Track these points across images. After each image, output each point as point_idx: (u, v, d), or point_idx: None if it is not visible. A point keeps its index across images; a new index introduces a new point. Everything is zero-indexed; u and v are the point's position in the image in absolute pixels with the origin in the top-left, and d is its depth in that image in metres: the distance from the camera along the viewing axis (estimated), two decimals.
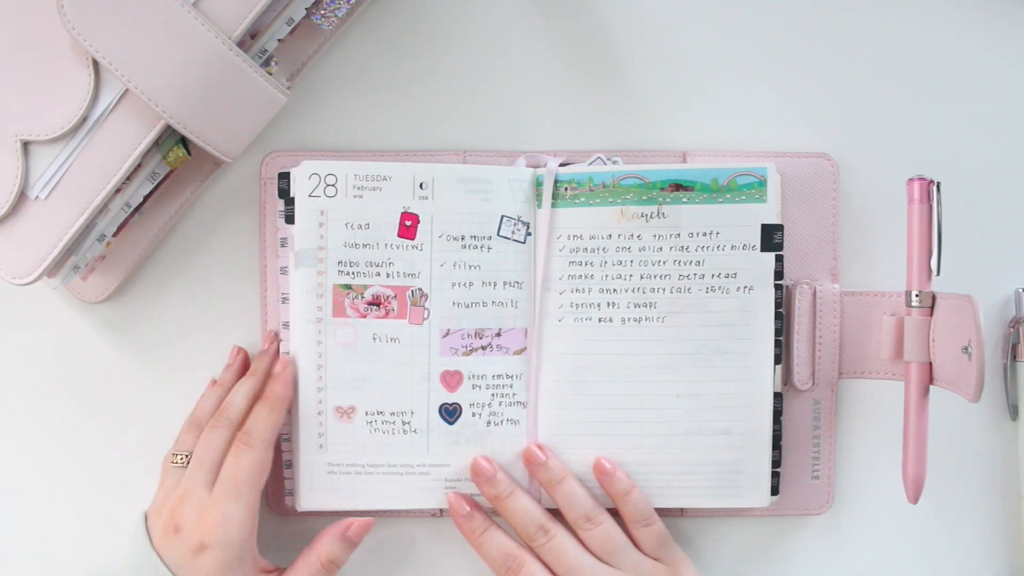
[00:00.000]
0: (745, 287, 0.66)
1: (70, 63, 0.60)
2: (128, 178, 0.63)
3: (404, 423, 0.67)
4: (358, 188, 0.66)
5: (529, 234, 0.67)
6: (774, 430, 0.67)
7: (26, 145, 0.61)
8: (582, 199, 0.66)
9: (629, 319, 0.66)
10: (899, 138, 0.70)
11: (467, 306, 0.67)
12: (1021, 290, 0.70)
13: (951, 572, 0.71)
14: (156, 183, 0.65)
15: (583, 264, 0.67)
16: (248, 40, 0.63)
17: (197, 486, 0.63)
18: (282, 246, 0.68)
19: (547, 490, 0.67)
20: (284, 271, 0.67)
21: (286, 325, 0.67)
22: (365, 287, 0.66)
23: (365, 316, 0.66)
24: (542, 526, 0.66)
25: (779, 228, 0.66)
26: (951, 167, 0.70)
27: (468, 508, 0.66)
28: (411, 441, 0.67)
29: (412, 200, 0.66)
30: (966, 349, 0.61)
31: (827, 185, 0.69)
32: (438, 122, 0.69)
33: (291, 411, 0.67)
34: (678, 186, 0.66)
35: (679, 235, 0.66)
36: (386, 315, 0.66)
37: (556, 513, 0.67)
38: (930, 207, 0.64)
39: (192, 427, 0.67)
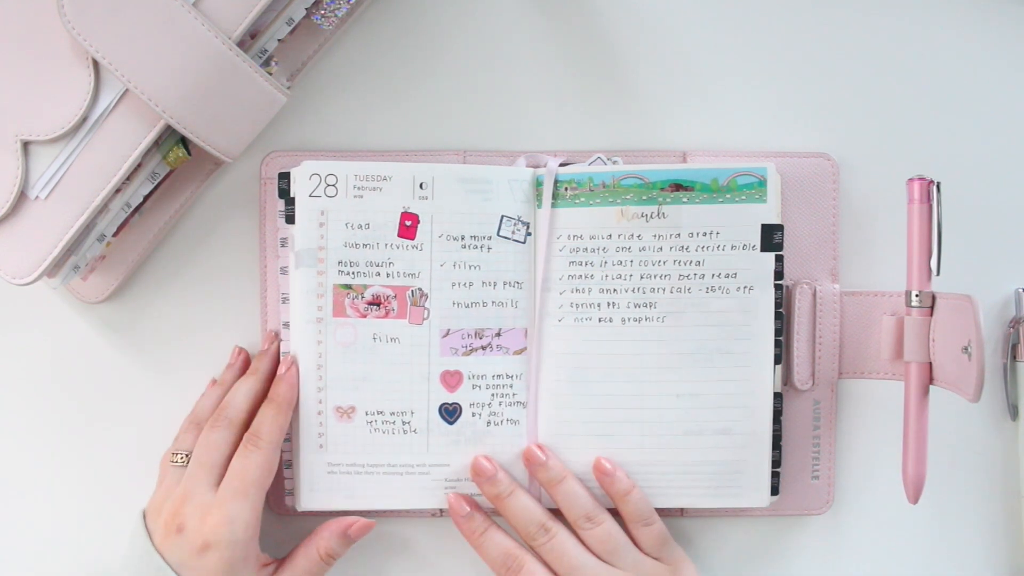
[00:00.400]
0: (745, 287, 0.66)
1: (70, 63, 0.60)
2: (128, 178, 0.63)
3: (404, 423, 0.67)
4: (358, 188, 0.66)
5: (529, 234, 0.67)
6: (774, 430, 0.67)
7: (26, 145, 0.61)
8: (582, 199, 0.66)
9: (629, 319, 0.66)
10: (899, 138, 0.70)
11: (467, 306, 0.67)
12: (1021, 290, 0.70)
13: (951, 572, 0.71)
14: (156, 183, 0.65)
15: (583, 264, 0.66)
16: (248, 40, 0.63)
17: (199, 486, 0.63)
18: (282, 246, 0.68)
19: (547, 490, 0.66)
20: (284, 271, 0.67)
21: (286, 325, 0.67)
22: (365, 287, 0.66)
23: (365, 316, 0.66)
24: (543, 525, 0.66)
25: (779, 228, 0.66)
26: (951, 167, 0.70)
27: (468, 508, 0.66)
28: (411, 441, 0.67)
29: (412, 200, 0.66)
30: (966, 349, 0.61)
31: (827, 185, 0.69)
32: (438, 122, 0.69)
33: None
34: (678, 186, 0.66)
35: (679, 235, 0.66)
36: (386, 315, 0.66)
37: (556, 513, 0.67)
38: (930, 207, 0.64)
39: (192, 426, 0.67)
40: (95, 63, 0.60)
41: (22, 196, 0.61)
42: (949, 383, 0.63)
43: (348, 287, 0.66)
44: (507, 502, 0.66)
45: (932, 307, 0.65)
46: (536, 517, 0.66)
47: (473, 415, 0.67)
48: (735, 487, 0.67)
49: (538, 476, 0.66)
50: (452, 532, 0.68)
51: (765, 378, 0.66)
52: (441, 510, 0.68)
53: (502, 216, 0.67)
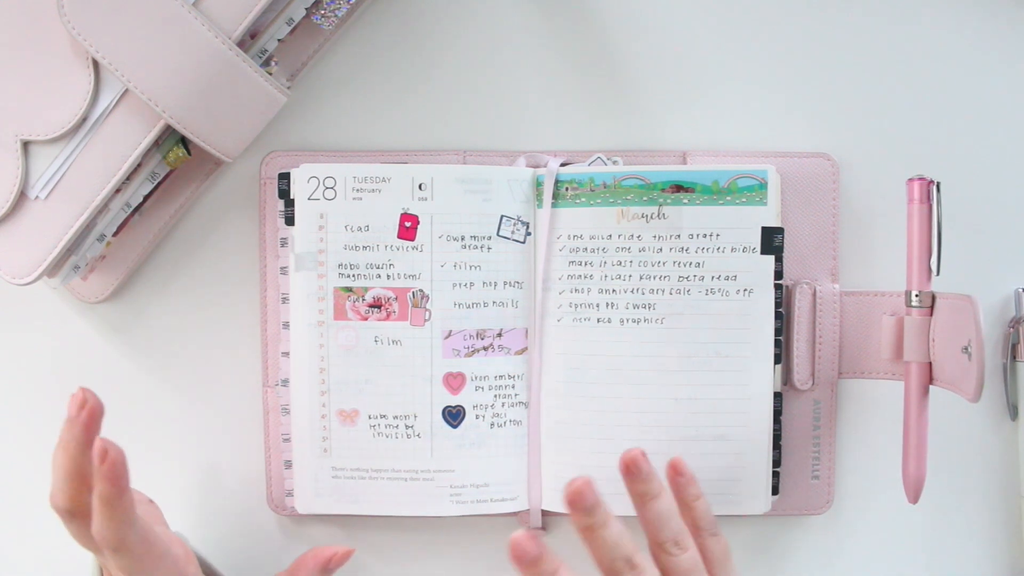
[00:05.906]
0: (745, 290, 0.66)
1: (70, 63, 0.60)
2: (128, 178, 0.63)
3: (407, 427, 0.66)
4: (357, 190, 0.65)
5: (529, 234, 0.67)
6: (774, 429, 0.67)
7: (26, 145, 0.61)
8: (583, 199, 0.66)
9: (628, 320, 0.66)
10: (899, 138, 0.70)
11: (468, 307, 0.66)
12: (1021, 290, 0.70)
13: (951, 572, 0.71)
14: (156, 183, 0.65)
15: (583, 264, 0.66)
16: (248, 40, 0.63)
17: None
18: (282, 246, 0.67)
19: (637, 505, 0.57)
20: (284, 271, 0.67)
21: (286, 325, 0.67)
22: (366, 289, 0.66)
23: (366, 319, 0.66)
24: (629, 560, 0.55)
25: (779, 231, 0.65)
26: (951, 167, 0.70)
27: (536, 551, 0.53)
28: (414, 446, 0.66)
29: (411, 201, 0.66)
30: (966, 349, 0.61)
31: (827, 185, 0.69)
32: (438, 122, 0.69)
33: (290, 411, 0.67)
34: (679, 187, 0.66)
35: (679, 236, 0.66)
36: (387, 317, 0.66)
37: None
38: (930, 207, 0.64)
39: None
40: (95, 63, 0.60)
41: (22, 196, 0.62)
42: (949, 383, 0.63)
43: (349, 290, 0.66)
44: (599, 533, 0.55)
45: (932, 307, 0.65)
46: (625, 551, 0.55)
47: (477, 417, 0.67)
48: (733, 494, 0.66)
49: (633, 488, 0.57)
50: (451, 532, 0.68)
51: (763, 383, 0.66)
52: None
53: (502, 216, 0.67)
